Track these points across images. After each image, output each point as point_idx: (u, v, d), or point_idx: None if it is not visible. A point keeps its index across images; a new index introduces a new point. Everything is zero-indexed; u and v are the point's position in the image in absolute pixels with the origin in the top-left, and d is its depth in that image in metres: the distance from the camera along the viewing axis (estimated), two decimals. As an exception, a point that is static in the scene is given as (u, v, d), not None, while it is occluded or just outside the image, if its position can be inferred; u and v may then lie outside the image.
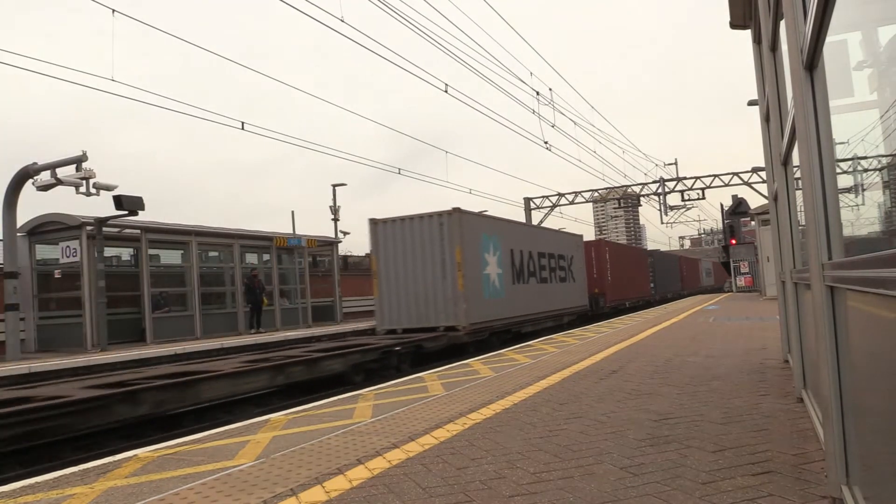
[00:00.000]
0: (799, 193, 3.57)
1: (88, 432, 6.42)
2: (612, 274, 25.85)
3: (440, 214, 13.92)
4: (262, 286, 19.32)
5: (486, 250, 14.96)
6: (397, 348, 11.91)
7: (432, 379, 7.51)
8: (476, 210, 16.66)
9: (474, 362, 9.07)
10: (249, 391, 8.74)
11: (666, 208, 32.25)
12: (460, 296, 13.62)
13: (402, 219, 14.38)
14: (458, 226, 13.68)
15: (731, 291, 34.69)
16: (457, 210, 13.83)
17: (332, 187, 31.81)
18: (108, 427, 6.61)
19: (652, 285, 33.03)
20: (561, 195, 33.19)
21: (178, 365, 10.61)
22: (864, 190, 2.21)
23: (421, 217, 14.16)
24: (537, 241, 18.63)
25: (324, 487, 3.36)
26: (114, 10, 9.21)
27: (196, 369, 8.93)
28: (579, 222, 54.50)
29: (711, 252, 74.15)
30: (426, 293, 14.03)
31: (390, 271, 14.42)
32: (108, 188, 13.95)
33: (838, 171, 2.32)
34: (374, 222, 14.58)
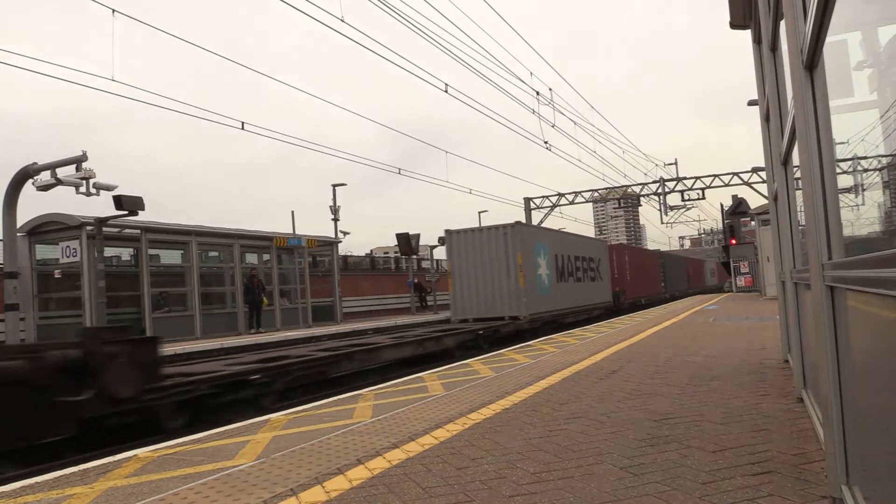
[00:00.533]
0: (799, 193, 3.57)
1: (89, 432, 6.43)
2: (631, 274, 29.26)
3: (504, 226, 17.56)
4: (262, 286, 19.33)
5: (539, 255, 18.61)
6: (481, 332, 15.55)
7: (432, 379, 7.51)
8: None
9: (474, 362, 9.07)
10: (403, 357, 13.10)
11: (666, 208, 32.26)
12: (522, 291, 17.21)
13: (472, 230, 18.33)
14: (518, 235, 17.40)
15: (732, 291, 34.70)
16: (518, 223, 17.82)
17: (332, 187, 31.80)
18: (109, 428, 6.62)
19: (663, 284, 36.16)
20: (561, 195, 33.19)
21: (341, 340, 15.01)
22: (864, 190, 2.21)
23: (489, 228, 18.02)
24: (574, 246, 22.18)
25: (324, 487, 3.36)
26: (114, 10, 9.21)
27: (367, 342, 13.31)
28: (579, 222, 54.48)
29: (711, 252, 74.18)
30: (493, 290, 17.55)
31: (463, 272, 18.00)
32: (108, 188, 13.95)
33: (838, 171, 2.32)
34: (448, 233, 18.25)
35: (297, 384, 9.71)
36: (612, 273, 26.80)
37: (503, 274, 17.43)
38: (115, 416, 6.57)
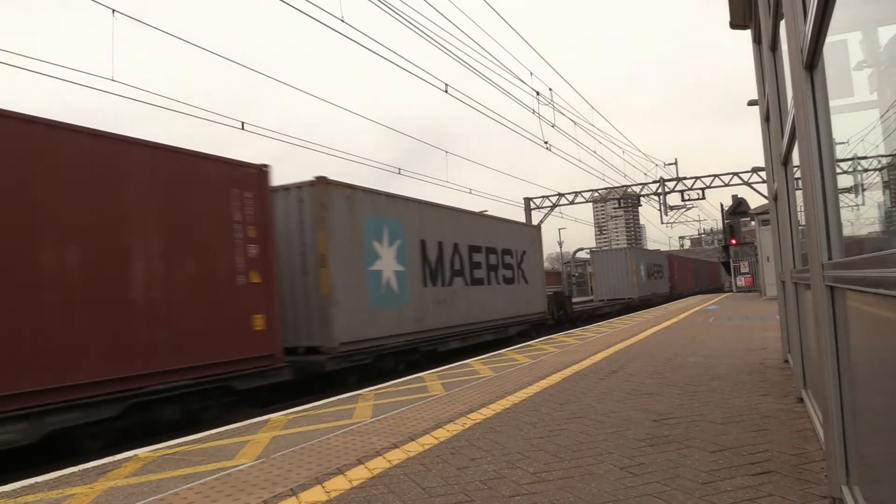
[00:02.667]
0: (799, 193, 3.57)
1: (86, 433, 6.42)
2: (678, 275, 40.49)
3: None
4: None
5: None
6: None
7: (432, 379, 7.51)
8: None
9: (474, 362, 9.07)
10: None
11: (666, 208, 32.24)
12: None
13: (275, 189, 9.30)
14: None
15: (732, 291, 34.72)
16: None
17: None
18: (109, 428, 6.61)
19: (694, 281, 47.48)
20: (561, 195, 33.20)
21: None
22: (864, 190, 2.21)
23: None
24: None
25: (324, 487, 3.36)
26: (114, 10, 9.21)
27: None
28: (579, 222, 54.52)
29: (711, 252, 74.38)
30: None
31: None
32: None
33: (838, 171, 2.32)
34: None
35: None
36: (670, 273, 38.40)
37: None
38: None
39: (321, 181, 9.46)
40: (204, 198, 7.52)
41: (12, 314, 5.52)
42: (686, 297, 37.54)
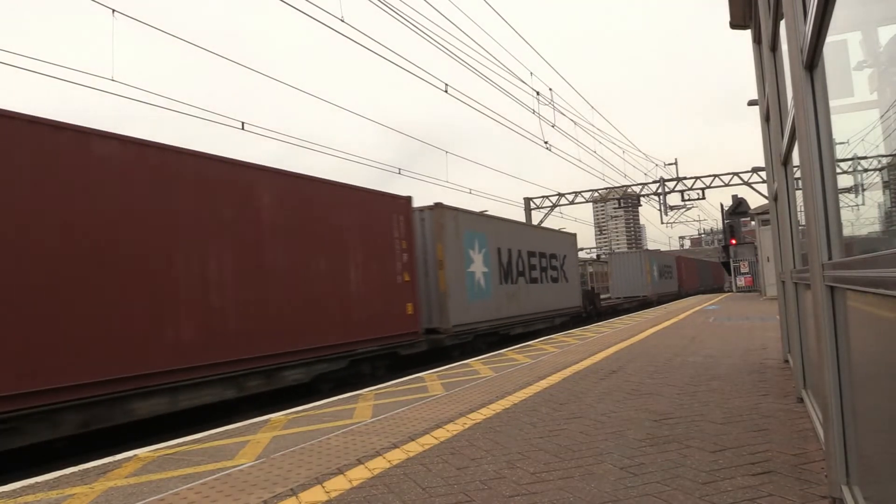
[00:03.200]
0: (799, 193, 3.57)
1: (85, 434, 6.42)
2: (685, 275, 43.89)
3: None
4: None
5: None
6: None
7: (432, 379, 7.51)
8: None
9: (474, 362, 9.07)
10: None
11: (666, 208, 32.25)
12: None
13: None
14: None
15: (732, 291, 34.72)
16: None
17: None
18: (109, 428, 6.62)
19: (699, 281, 50.35)
20: (561, 195, 33.19)
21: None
22: (864, 190, 2.21)
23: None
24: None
25: (324, 487, 3.36)
26: (114, 10, 9.21)
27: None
28: (579, 222, 54.54)
29: (711, 252, 74.46)
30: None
31: None
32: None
33: (838, 171, 2.32)
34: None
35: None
36: (678, 273, 41.41)
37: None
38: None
39: (439, 206, 12.62)
40: (380, 221, 10.88)
41: (302, 302, 8.89)
42: (692, 295, 41.54)
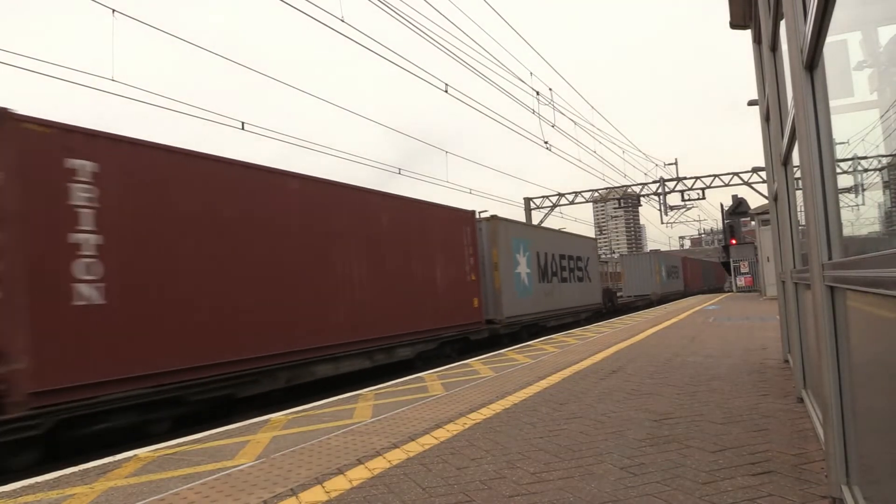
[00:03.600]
0: (799, 193, 3.57)
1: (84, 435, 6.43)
2: (690, 275, 46.01)
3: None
4: None
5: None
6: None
7: (432, 379, 7.51)
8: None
9: (474, 362, 9.07)
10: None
11: (666, 208, 32.24)
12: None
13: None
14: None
15: (732, 291, 34.72)
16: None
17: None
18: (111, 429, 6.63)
19: (703, 280, 52.46)
20: (561, 195, 33.19)
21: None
22: (864, 190, 2.21)
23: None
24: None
25: (324, 487, 3.36)
26: (114, 10, 9.21)
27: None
28: (579, 222, 54.54)
29: (711, 252, 74.61)
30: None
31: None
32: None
33: (838, 171, 2.32)
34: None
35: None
36: (684, 273, 43.72)
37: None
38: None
39: (494, 218, 15.20)
40: (455, 232, 13.50)
41: (407, 297, 11.48)
42: (696, 293, 44.23)
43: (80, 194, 6.34)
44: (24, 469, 5.73)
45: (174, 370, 6.99)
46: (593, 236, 25.44)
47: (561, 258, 19.71)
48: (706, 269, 56.15)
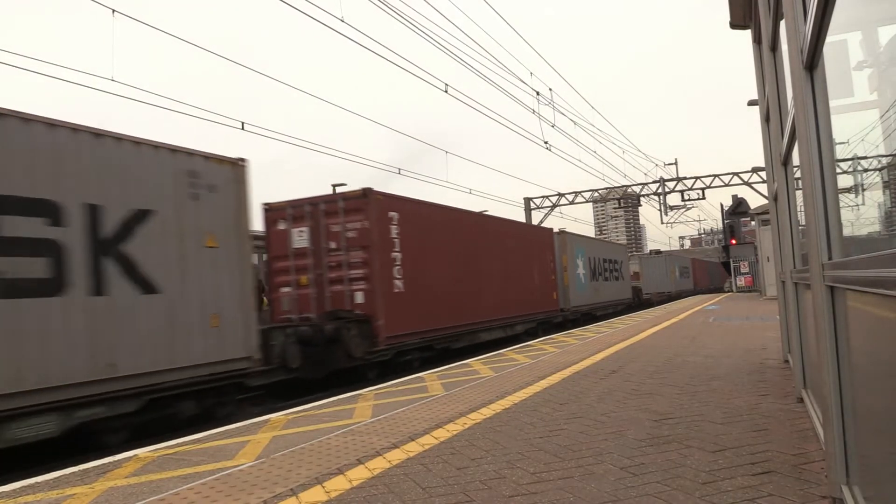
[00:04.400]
0: (799, 193, 3.57)
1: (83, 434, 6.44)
2: (698, 274, 52.43)
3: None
4: (263, 286, 19.26)
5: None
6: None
7: (432, 379, 7.51)
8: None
9: (474, 362, 9.07)
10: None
11: (666, 208, 32.24)
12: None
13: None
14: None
15: (732, 291, 34.71)
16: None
17: (332, 187, 31.77)
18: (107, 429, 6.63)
19: (709, 280, 57.74)
20: (561, 195, 33.19)
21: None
22: (864, 190, 2.21)
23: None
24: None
25: (324, 487, 3.36)
26: (114, 10, 9.21)
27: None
28: (579, 222, 54.56)
29: (711, 252, 74.81)
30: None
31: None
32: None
33: (838, 171, 2.32)
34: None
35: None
36: (693, 273, 50.04)
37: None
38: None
39: (563, 232, 20.95)
40: (542, 243, 19.19)
41: (517, 288, 16.87)
42: (703, 292, 49.07)
43: (394, 230, 11.52)
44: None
45: (429, 329, 12.36)
46: (624, 243, 30.55)
47: (604, 261, 25.23)
48: (711, 270, 61.77)
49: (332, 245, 11.13)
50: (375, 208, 11.06)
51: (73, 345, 6.18)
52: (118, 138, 6.93)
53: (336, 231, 11.11)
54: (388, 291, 11.15)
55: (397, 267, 11.49)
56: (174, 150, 7.51)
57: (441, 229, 13.26)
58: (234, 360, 7.94)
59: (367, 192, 11.04)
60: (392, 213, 11.48)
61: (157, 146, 7.35)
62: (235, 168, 8.28)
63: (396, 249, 11.50)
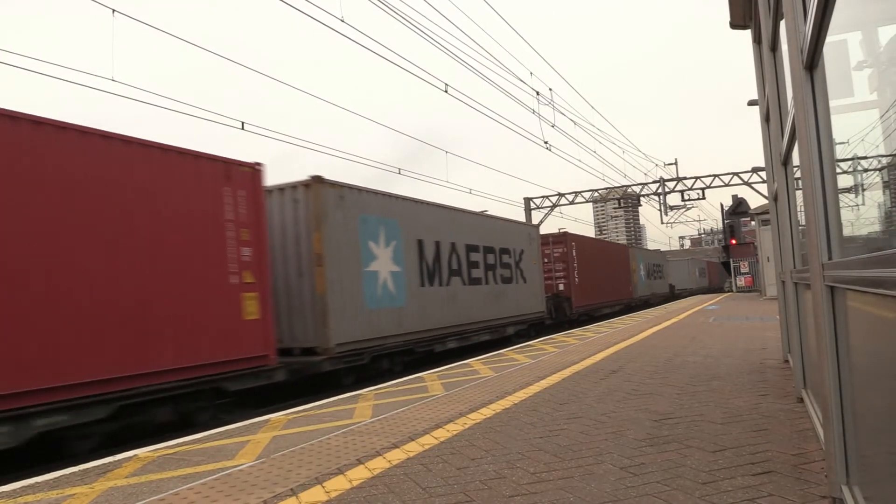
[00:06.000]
0: (799, 193, 3.57)
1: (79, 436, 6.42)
2: (711, 274, 59.94)
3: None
4: None
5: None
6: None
7: (432, 379, 7.51)
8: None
9: (474, 362, 9.07)
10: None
11: (666, 208, 32.23)
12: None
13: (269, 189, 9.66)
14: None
15: (731, 291, 34.71)
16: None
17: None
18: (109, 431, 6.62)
19: (718, 279, 62.85)
20: (561, 195, 33.19)
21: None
22: (864, 190, 2.21)
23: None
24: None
25: (324, 487, 3.36)
26: (114, 10, 9.21)
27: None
28: (579, 222, 54.56)
29: (711, 252, 75.10)
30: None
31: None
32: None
33: (838, 171, 2.32)
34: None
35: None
36: (708, 273, 58.41)
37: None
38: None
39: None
40: (620, 255, 28.77)
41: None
42: (715, 289, 55.39)
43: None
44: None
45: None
46: (665, 251, 41.94)
47: (654, 265, 33.95)
48: (720, 270, 69.40)
49: None
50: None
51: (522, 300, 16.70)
52: (506, 220, 16.64)
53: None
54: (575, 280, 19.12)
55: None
56: (525, 224, 18.46)
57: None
58: (537, 313, 17.72)
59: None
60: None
61: (520, 223, 17.74)
62: (531, 229, 18.33)
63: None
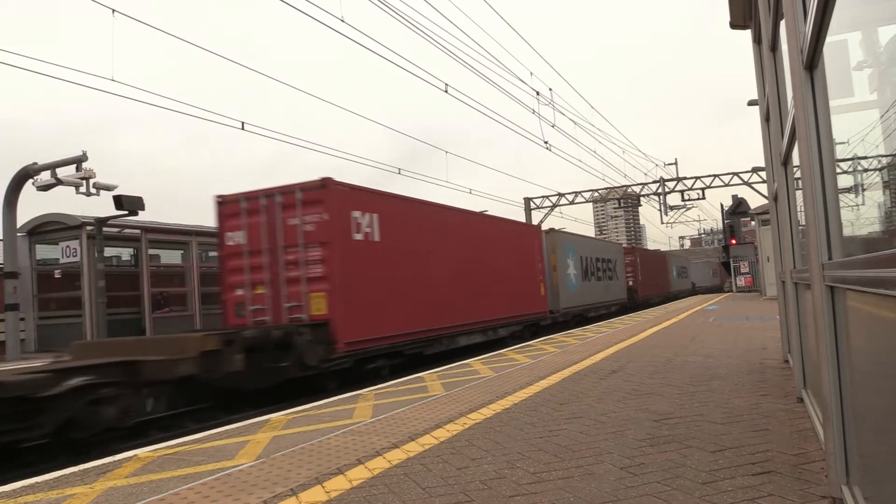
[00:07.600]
0: (799, 193, 3.57)
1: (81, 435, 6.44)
2: (721, 273, 60.66)
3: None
4: None
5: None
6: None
7: (432, 379, 7.51)
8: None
9: (474, 362, 9.07)
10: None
11: (666, 208, 32.26)
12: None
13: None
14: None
15: (731, 291, 34.72)
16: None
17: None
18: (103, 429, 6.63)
19: (723, 278, 68.46)
20: (561, 195, 33.20)
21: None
22: (864, 190, 2.21)
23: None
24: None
25: (324, 487, 3.36)
26: (114, 10, 9.21)
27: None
28: (579, 222, 54.65)
29: (711, 252, 75.36)
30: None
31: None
32: (108, 188, 13.95)
33: (838, 171, 2.32)
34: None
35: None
36: (720, 272, 60.39)
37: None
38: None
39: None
40: (659, 259, 40.67)
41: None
42: (724, 288, 59.92)
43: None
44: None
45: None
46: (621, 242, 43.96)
47: (680, 269, 33.76)
48: (723, 270, 70.55)
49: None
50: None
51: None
52: (609, 242, 30.77)
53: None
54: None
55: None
56: (617, 244, 30.37)
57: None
58: (622, 299, 27.83)
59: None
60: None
61: (612, 243, 30.49)
62: (619, 247, 29.02)
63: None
